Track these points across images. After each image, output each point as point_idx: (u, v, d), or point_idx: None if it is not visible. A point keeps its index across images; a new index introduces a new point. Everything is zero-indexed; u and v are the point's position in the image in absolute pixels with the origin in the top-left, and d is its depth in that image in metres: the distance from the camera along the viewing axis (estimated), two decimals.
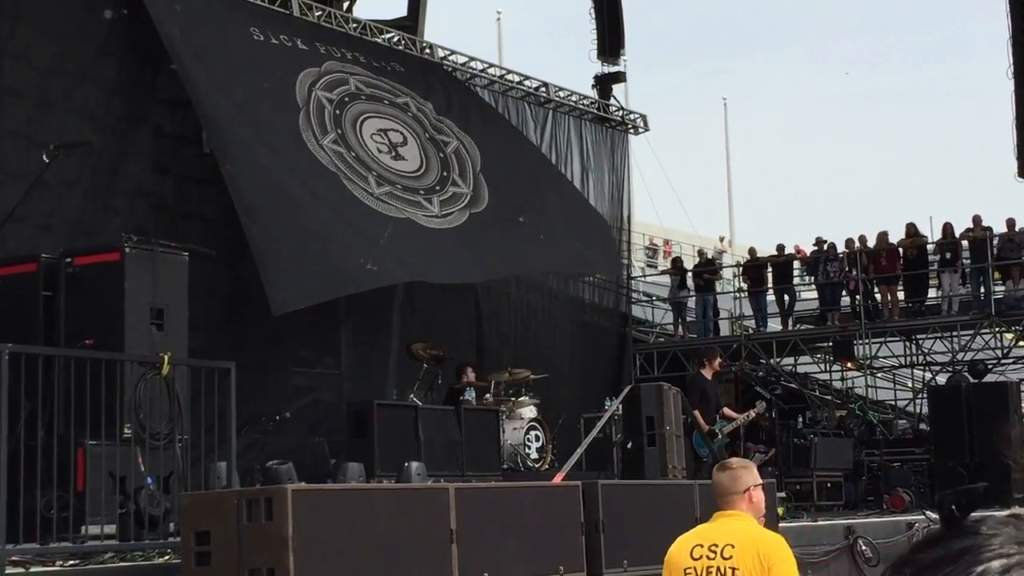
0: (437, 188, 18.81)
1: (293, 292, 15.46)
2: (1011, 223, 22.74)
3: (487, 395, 17.63)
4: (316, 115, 17.75)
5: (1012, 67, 20.23)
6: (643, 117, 25.97)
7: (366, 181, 17.64)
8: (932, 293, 24.41)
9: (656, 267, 32.77)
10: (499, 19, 40.95)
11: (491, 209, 19.27)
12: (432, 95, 20.18)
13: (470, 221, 18.72)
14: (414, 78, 20.22)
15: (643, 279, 29.12)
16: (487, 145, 20.29)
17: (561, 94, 23.91)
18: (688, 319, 25.91)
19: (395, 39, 21.29)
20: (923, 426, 24.25)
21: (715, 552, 5.62)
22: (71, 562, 9.57)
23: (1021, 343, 23.87)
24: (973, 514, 1.36)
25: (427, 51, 21.61)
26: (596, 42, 25.60)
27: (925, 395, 24.09)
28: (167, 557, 9.77)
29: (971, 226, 23.12)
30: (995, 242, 22.63)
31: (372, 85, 19.14)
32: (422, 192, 18.50)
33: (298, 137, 17.24)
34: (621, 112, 25.53)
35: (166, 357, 10.63)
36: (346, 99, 18.45)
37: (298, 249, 15.85)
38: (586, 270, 23.42)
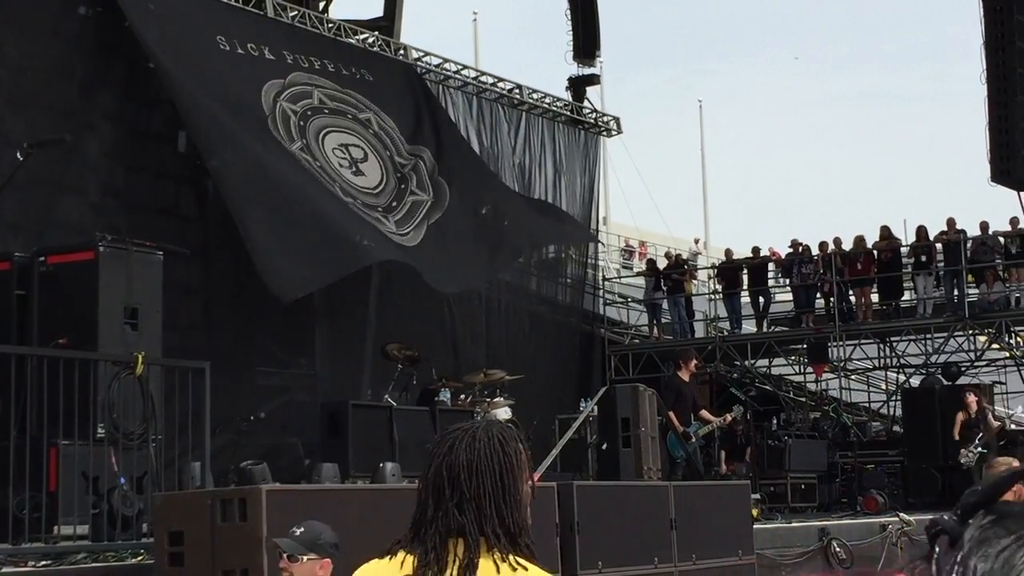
0: (394, 205, 18.81)
1: (298, 278, 15.50)
2: (984, 226, 22.85)
3: (462, 396, 17.61)
4: (283, 123, 17.73)
5: (986, 71, 20.30)
6: (616, 120, 26.04)
7: (333, 188, 17.67)
8: (906, 296, 24.51)
9: (632, 269, 32.79)
10: (475, 20, 40.94)
11: (452, 210, 19.27)
12: (396, 108, 20.09)
13: (429, 234, 18.71)
14: (381, 89, 20.13)
15: (618, 281, 29.14)
16: (446, 147, 20.29)
17: (535, 96, 23.94)
18: (663, 321, 25.95)
19: (369, 40, 21.26)
20: (897, 428, 24.34)
21: None
22: (43, 563, 9.51)
23: (994, 346, 23.97)
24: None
25: (401, 53, 21.57)
26: (572, 43, 25.63)
27: (899, 397, 24.19)
28: (140, 558, 9.73)
29: (945, 229, 23.21)
30: (968, 245, 22.73)
31: (336, 98, 19.08)
32: (380, 210, 18.50)
33: (271, 137, 17.22)
34: (594, 115, 25.58)
35: (140, 357, 10.59)
36: (309, 112, 18.40)
37: (295, 236, 15.86)
38: (560, 241, 23.56)
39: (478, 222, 19.68)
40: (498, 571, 2.97)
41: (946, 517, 1.61)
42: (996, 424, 18.89)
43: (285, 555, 5.89)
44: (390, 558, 3.07)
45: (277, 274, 15.18)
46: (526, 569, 2.99)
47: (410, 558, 3.03)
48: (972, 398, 19.00)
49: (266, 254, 15.17)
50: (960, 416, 18.84)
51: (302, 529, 5.96)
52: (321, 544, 5.90)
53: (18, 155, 12.68)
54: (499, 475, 3.06)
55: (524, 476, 3.13)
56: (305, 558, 5.85)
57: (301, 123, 18.13)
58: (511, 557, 2.99)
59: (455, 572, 2.97)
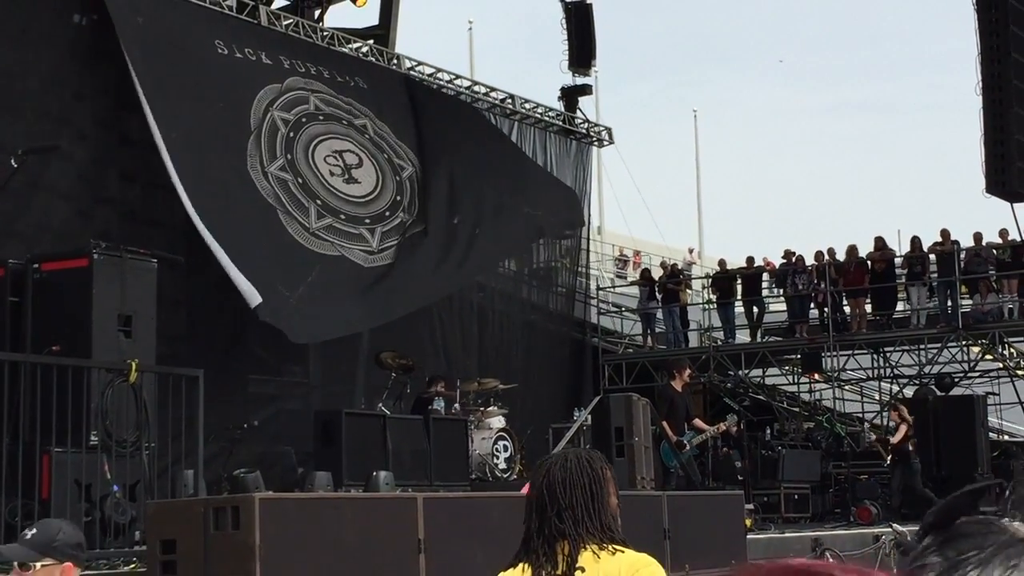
0: (387, 214, 18.80)
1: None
2: (978, 237, 22.88)
3: (455, 405, 17.60)
4: (267, 139, 17.71)
5: (981, 83, 20.34)
6: (608, 130, 26.12)
7: (306, 213, 17.63)
8: (900, 306, 24.52)
9: (625, 278, 32.80)
10: (471, 29, 40.95)
11: (432, 224, 19.33)
12: (391, 115, 20.07)
13: (405, 247, 18.73)
14: (376, 96, 20.13)
15: (612, 290, 29.14)
16: (436, 152, 20.28)
17: (527, 106, 24.00)
18: (657, 330, 25.95)
19: (364, 50, 21.28)
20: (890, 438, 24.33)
21: None
22: None
23: (988, 356, 23.99)
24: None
25: (395, 63, 21.59)
26: (567, 53, 25.66)
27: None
28: (132, 566, 9.71)
29: (939, 240, 23.24)
30: (962, 256, 22.77)
31: (332, 104, 19.08)
32: (367, 221, 18.48)
33: (241, 166, 17.20)
34: (586, 125, 25.63)
35: (134, 364, 10.57)
36: (303, 119, 18.39)
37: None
38: (540, 236, 23.51)
39: (448, 234, 19.63)
40: (598, 559, 3.80)
41: (910, 535, 1.59)
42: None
43: (16, 565, 4.78)
44: (512, 568, 3.91)
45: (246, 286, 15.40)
46: (623, 552, 3.83)
47: (528, 565, 3.86)
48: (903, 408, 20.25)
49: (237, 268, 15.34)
50: (904, 428, 19.43)
51: (34, 531, 4.90)
52: (57, 546, 4.81)
53: (12, 162, 12.66)
54: (588, 486, 3.87)
55: (610, 488, 3.95)
56: (39, 564, 4.77)
57: (291, 134, 18.10)
58: (608, 546, 3.82)
59: (564, 567, 3.79)
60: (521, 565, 3.89)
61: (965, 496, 1.39)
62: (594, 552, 3.80)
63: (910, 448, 19.77)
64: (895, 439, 19.74)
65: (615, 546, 3.83)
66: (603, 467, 3.96)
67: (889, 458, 20.25)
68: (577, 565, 3.80)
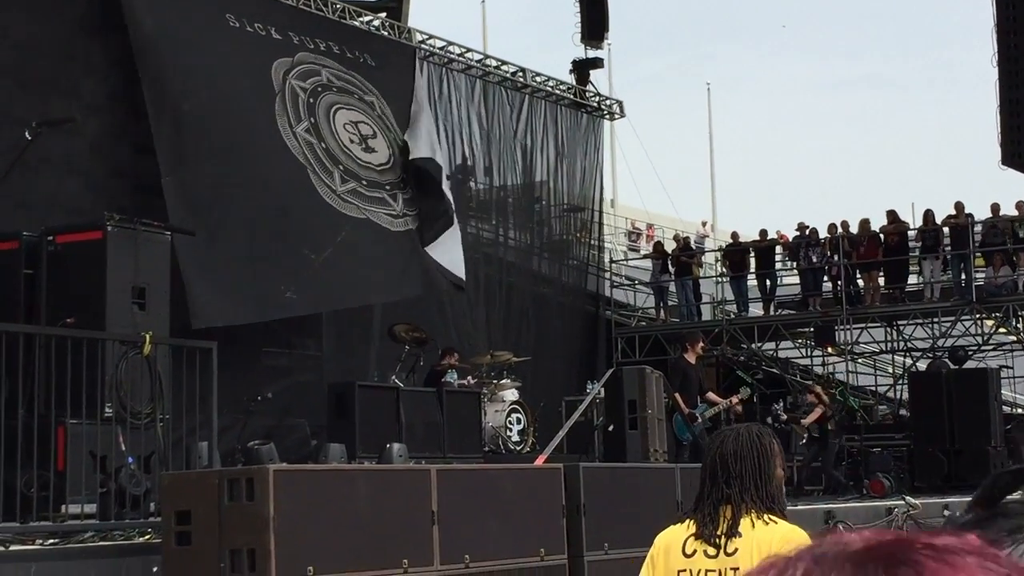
0: (401, 185, 18.80)
1: (216, 309, 15.44)
2: (996, 208, 22.81)
3: (468, 377, 17.63)
4: (291, 102, 17.73)
5: (996, 54, 20.24)
6: (619, 103, 26.08)
7: (331, 177, 17.65)
8: (913, 279, 24.48)
9: (638, 251, 32.77)
10: (484, 2, 40.79)
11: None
12: (395, 97, 19.94)
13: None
14: (382, 75, 20.02)
15: (625, 263, 29.13)
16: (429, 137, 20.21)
17: (538, 79, 23.95)
18: (670, 303, 25.95)
19: (375, 23, 21.20)
20: (903, 412, 24.33)
21: None
22: (51, 541, 9.53)
23: (1002, 330, 23.95)
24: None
25: (405, 36, 21.52)
26: (580, 26, 25.60)
27: (906, 381, 24.17)
28: (147, 536, 9.73)
29: (953, 213, 23.17)
30: (978, 228, 22.70)
31: (342, 78, 19.06)
32: (387, 187, 18.48)
33: (272, 124, 17.21)
34: (597, 98, 25.58)
35: (148, 336, 10.59)
36: (319, 89, 18.41)
37: (224, 271, 15.86)
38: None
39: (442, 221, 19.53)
40: (754, 527, 4.27)
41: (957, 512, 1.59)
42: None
43: None
44: (679, 523, 4.46)
45: (195, 300, 15.16)
46: (776, 523, 4.28)
47: (694, 523, 4.37)
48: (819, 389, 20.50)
49: (190, 280, 15.10)
50: (819, 409, 19.55)
51: None
52: None
53: (26, 134, 12.66)
54: (756, 458, 4.34)
55: (776, 461, 4.40)
56: None
57: (311, 100, 18.13)
58: (765, 515, 4.28)
59: (724, 528, 4.30)
60: (687, 522, 4.41)
61: (1009, 475, 1.40)
62: (752, 520, 4.27)
63: (829, 428, 19.86)
64: (807, 420, 19.78)
65: (772, 516, 4.29)
66: (771, 442, 4.42)
67: (806, 436, 20.43)
68: (736, 530, 4.29)
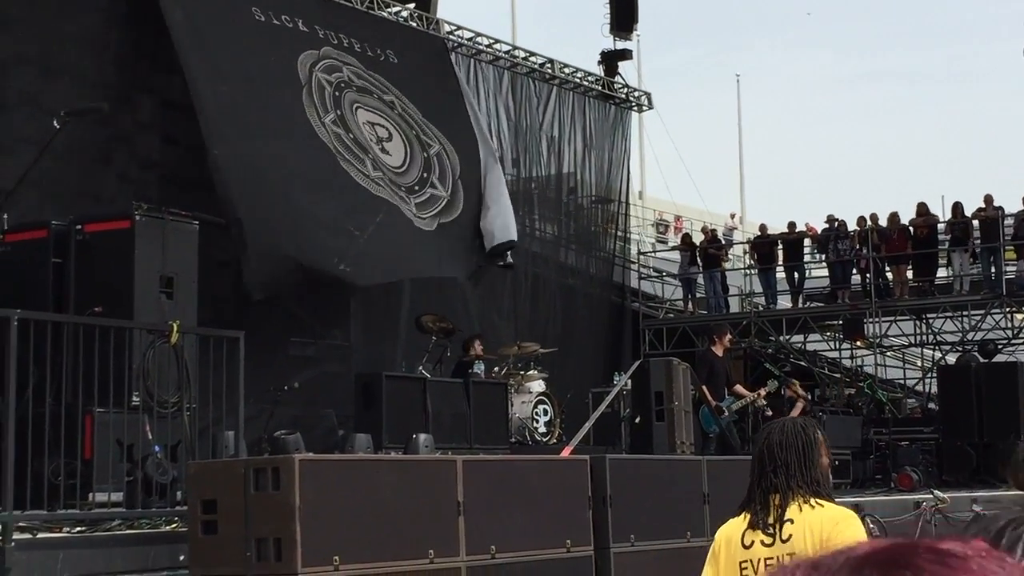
0: (416, 188, 18.78)
1: (271, 279, 15.58)
2: None
3: (496, 368, 17.62)
4: (318, 93, 17.77)
5: None
6: (647, 95, 26.03)
7: (363, 163, 17.68)
8: (942, 272, 24.35)
9: (666, 243, 32.71)
10: None
11: (460, 220, 19.24)
12: (420, 94, 19.94)
13: (438, 231, 18.73)
14: (405, 72, 19.99)
15: (653, 255, 29.07)
16: (464, 150, 20.16)
17: (566, 71, 23.91)
18: (698, 295, 25.89)
19: (404, 15, 21.16)
20: (932, 405, 24.21)
21: None
22: (78, 529, 9.57)
23: None
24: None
25: (434, 27, 21.49)
26: (608, 17, 25.54)
27: (934, 374, 24.05)
28: (174, 525, 9.77)
29: (983, 205, 23.03)
30: (1008, 221, 22.55)
31: (362, 77, 19.07)
32: (404, 189, 18.51)
33: (300, 113, 17.24)
34: (625, 90, 25.52)
35: (175, 325, 10.61)
36: (342, 84, 18.44)
37: (277, 243, 15.92)
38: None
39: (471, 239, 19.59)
40: (801, 511, 4.55)
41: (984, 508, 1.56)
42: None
43: None
44: (736, 516, 4.73)
45: (253, 272, 15.31)
46: (823, 506, 4.57)
47: (748, 513, 4.66)
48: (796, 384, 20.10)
49: (247, 250, 15.27)
50: (800, 404, 19.45)
51: None
52: None
53: (55, 123, 12.68)
54: (801, 448, 4.62)
55: (821, 449, 4.66)
56: None
57: (336, 94, 18.15)
58: (812, 499, 4.55)
59: (774, 515, 4.57)
60: (743, 514, 4.69)
61: None
62: (800, 504, 4.55)
63: None
64: (793, 415, 19.66)
65: (819, 500, 4.56)
66: (815, 432, 4.72)
67: None
68: (786, 516, 4.56)
